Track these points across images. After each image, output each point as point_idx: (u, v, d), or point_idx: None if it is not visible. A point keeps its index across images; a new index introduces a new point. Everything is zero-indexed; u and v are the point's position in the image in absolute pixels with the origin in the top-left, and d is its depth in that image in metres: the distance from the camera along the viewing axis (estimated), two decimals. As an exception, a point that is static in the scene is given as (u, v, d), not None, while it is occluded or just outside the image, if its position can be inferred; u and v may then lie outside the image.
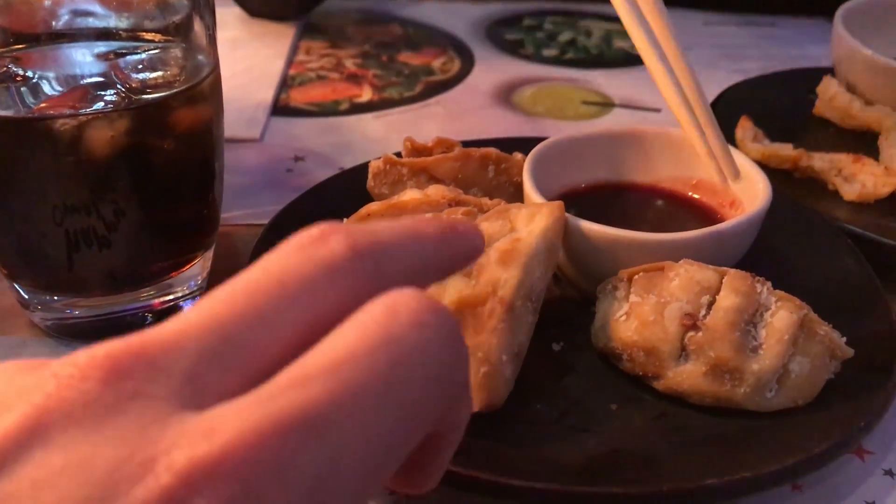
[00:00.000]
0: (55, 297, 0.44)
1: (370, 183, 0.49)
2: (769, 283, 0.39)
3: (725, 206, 0.47)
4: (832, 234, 0.48)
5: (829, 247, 0.47)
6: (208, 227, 0.46)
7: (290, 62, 0.78)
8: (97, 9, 0.43)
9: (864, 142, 0.60)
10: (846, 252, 0.46)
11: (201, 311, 0.21)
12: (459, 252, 0.25)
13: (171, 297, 0.45)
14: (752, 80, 0.68)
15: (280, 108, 0.69)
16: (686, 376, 0.37)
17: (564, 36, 0.86)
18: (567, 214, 0.42)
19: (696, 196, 0.48)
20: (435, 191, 0.45)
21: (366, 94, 0.73)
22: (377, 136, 0.66)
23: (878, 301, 0.42)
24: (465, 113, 0.70)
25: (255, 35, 0.82)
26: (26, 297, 0.44)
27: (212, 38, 0.44)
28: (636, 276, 0.39)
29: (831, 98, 0.62)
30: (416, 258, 0.23)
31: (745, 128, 0.57)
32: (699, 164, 0.48)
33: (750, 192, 0.45)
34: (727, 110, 0.60)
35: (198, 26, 0.44)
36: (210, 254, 0.47)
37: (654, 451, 0.35)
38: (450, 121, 0.69)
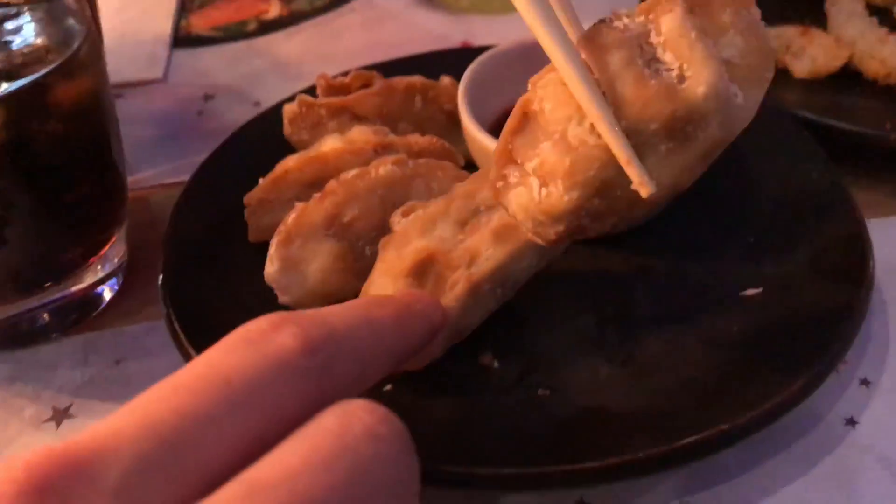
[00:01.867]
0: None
1: (287, 129, 0.44)
2: (626, 13, 0.30)
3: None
4: (786, 121, 0.45)
5: (783, 136, 0.44)
6: (116, 203, 0.41)
7: (184, -20, 0.70)
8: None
9: (818, 3, 0.56)
10: (802, 142, 0.43)
11: (136, 411, 0.18)
12: (416, 336, 0.25)
13: (89, 282, 0.41)
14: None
15: (181, 39, 0.63)
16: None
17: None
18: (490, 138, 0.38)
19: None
20: (359, 134, 0.41)
21: (273, 9, 0.66)
22: (291, 58, 0.61)
23: (840, 197, 0.40)
24: (384, 19, 0.64)
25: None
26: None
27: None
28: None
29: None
30: (369, 349, 0.22)
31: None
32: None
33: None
34: None
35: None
36: (124, 229, 0.43)
37: (620, 405, 0.33)
38: (368, 31, 0.63)
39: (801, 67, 0.50)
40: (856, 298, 0.35)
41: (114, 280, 0.42)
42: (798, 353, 0.34)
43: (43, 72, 0.35)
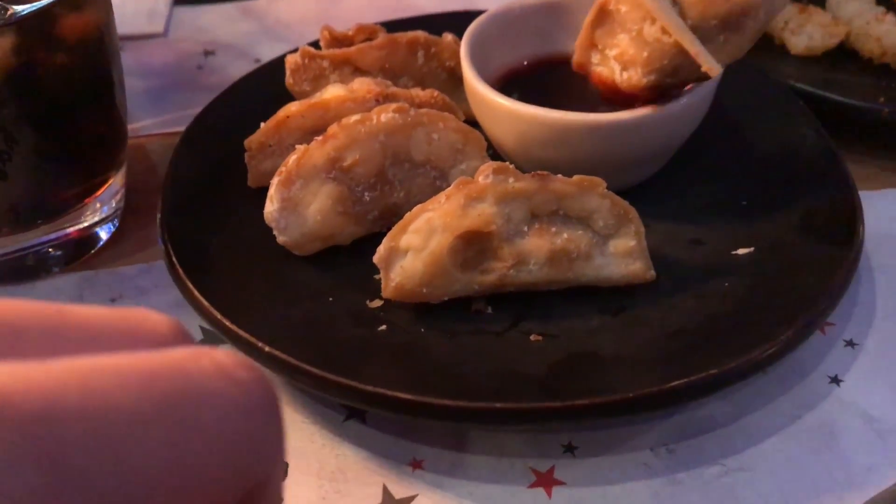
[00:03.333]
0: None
1: (289, 80, 0.45)
2: None
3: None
4: (784, 96, 0.45)
5: (781, 107, 0.44)
6: (116, 145, 0.42)
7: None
8: None
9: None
10: (799, 112, 0.44)
11: None
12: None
13: (86, 223, 0.41)
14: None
15: (183, -5, 0.63)
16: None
17: None
18: (501, 98, 0.39)
19: (640, 66, 0.45)
20: (360, 85, 0.41)
21: (277, -31, 0.66)
22: (293, 17, 0.61)
23: (833, 164, 0.41)
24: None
25: None
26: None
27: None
28: None
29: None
30: None
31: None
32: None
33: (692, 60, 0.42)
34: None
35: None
36: (123, 172, 0.43)
37: (610, 352, 0.33)
38: (370, -5, 0.63)
39: (797, 43, 0.51)
40: (844, 260, 0.36)
41: (110, 223, 0.42)
42: (786, 309, 0.34)
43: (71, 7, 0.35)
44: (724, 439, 0.34)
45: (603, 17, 0.38)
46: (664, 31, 0.36)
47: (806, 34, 0.51)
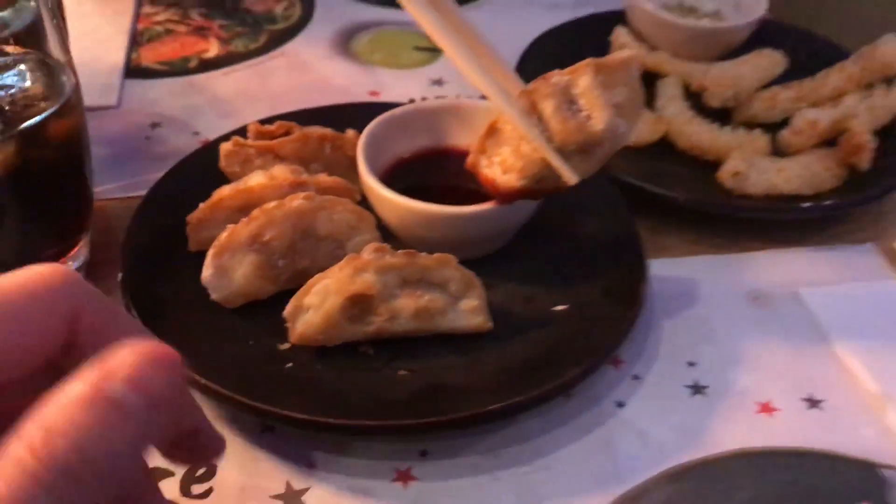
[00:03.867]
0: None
1: (222, 162, 0.57)
2: (557, 73, 0.48)
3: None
4: (604, 183, 0.59)
5: (600, 195, 0.58)
6: (86, 213, 0.53)
7: (136, 17, 0.81)
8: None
9: (651, 83, 0.71)
10: (613, 199, 0.58)
11: None
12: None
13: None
14: (556, 30, 0.77)
15: (133, 70, 0.74)
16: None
17: (399, -28, 0.92)
18: (379, 184, 0.51)
19: (500, 158, 0.58)
20: (279, 172, 0.53)
21: (213, 49, 0.78)
22: (227, 95, 0.72)
23: (632, 243, 0.54)
24: (307, 65, 0.77)
25: (96, -12, 0.84)
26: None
27: (64, 42, 0.49)
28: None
29: (621, 46, 0.73)
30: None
31: (545, 85, 0.67)
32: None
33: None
34: (534, 64, 0.70)
35: (50, 30, 0.49)
36: (89, 235, 0.54)
37: (457, 383, 0.46)
38: (294, 74, 0.76)
39: (628, 137, 0.65)
40: (630, 314, 0.50)
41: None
42: (585, 350, 0.48)
43: (46, 113, 0.46)
44: (535, 447, 0.47)
45: (493, 131, 0.50)
46: (535, 149, 0.48)
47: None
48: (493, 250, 0.55)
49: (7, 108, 0.46)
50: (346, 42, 0.80)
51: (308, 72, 0.76)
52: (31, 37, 0.49)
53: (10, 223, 0.48)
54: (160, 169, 0.62)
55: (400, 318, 0.48)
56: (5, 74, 0.47)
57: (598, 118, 0.47)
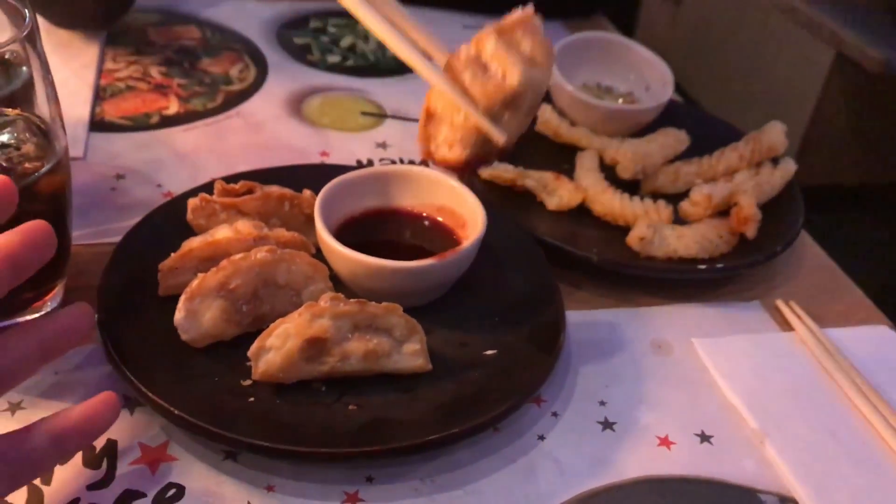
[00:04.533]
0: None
1: (189, 216, 0.63)
2: (465, 47, 0.54)
3: (459, 227, 0.65)
4: (530, 243, 0.67)
5: (526, 253, 0.66)
6: (64, 260, 0.58)
7: (99, 72, 0.86)
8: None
9: (571, 154, 0.80)
10: (537, 258, 0.66)
11: None
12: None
13: (35, 316, 0.57)
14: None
15: (97, 123, 0.79)
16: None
17: (346, 41, 1.01)
18: (333, 240, 0.58)
19: (440, 218, 0.66)
20: (243, 226, 0.60)
21: (173, 106, 0.84)
22: (187, 150, 0.78)
23: (552, 296, 0.63)
24: (261, 125, 0.84)
25: (61, 44, 0.89)
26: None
27: (55, 99, 0.55)
28: None
29: (545, 121, 0.82)
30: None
31: (479, 153, 0.75)
32: (442, 194, 0.66)
33: (473, 218, 0.63)
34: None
35: (41, 94, 0.54)
36: (65, 279, 0.59)
37: (399, 417, 0.53)
38: (250, 133, 0.82)
39: (551, 202, 0.74)
40: (550, 358, 0.58)
41: (51, 314, 0.58)
42: (510, 390, 0.55)
43: (41, 172, 0.51)
44: (467, 474, 0.53)
45: (430, 116, 0.55)
46: (467, 117, 0.53)
47: (558, 195, 0.74)
48: (433, 300, 0.62)
49: (4, 165, 0.51)
50: (297, 104, 0.87)
51: (262, 131, 0.83)
52: (22, 98, 0.55)
53: (-3, 266, 0.53)
54: (125, 218, 0.67)
55: (351, 360, 0.54)
56: (2, 134, 0.53)
57: (511, 74, 0.52)
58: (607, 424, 0.58)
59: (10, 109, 0.54)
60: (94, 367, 0.56)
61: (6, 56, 0.53)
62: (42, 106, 0.55)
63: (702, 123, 0.86)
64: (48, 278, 0.57)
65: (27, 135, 0.54)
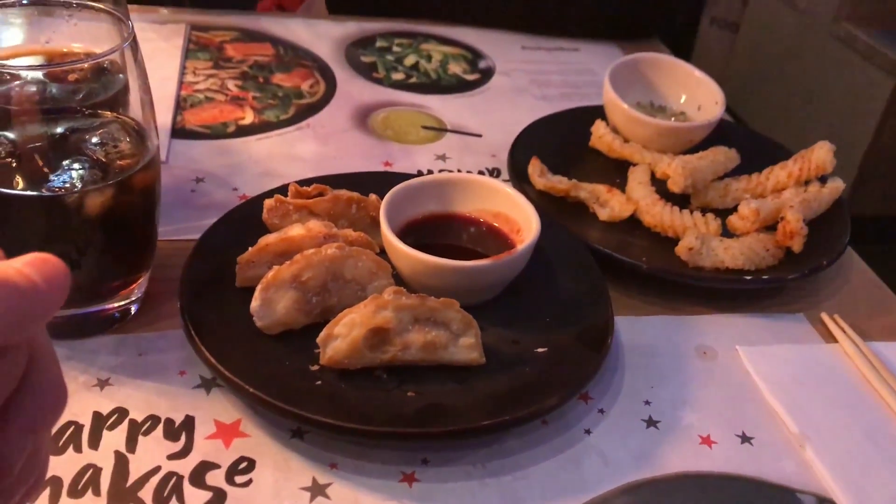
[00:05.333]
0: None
1: (265, 215, 0.67)
2: None
3: (514, 232, 0.69)
4: (581, 249, 0.71)
5: (578, 260, 0.70)
6: (150, 252, 0.63)
7: (180, 84, 0.93)
8: (54, 88, 0.59)
9: (624, 169, 0.84)
10: (588, 264, 0.69)
11: None
12: None
13: (123, 303, 0.62)
14: (544, 120, 0.90)
15: (178, 131, 0.85)
16: None
17: (409, 59, 1.06)
18: (397, 240, 0.62)
19: (496, 224, 0.70)
20: (314, 225, 0.64)
21: (248, 117, 0.89)
22: (261, 157, 0.84)
23: (602, 299, 0.66)
24: (330, 136, 0.89)
25: (145, 57, 0.95)
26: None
27: (150, 104, 0.60)
28: None
29: (600, 136, 0.86)
30: None
31: (534, 165, 0.79)
32: (498, 201, 0.69)
33: (528, 223, 0.67)
34: (525, 149, 0.82)
35: (136, 99, 0.60)
36: (150, 270, 0.64)
37: (454, 404, 0.57)
38: (319, 143, 0.87)
39: (602, 213, 0.77)
40: (598, 357, 0.61)
41: (137, 303, 0.64)
42: (560, 385, 0.58)
43: (138, 167, 0.57)
44: (516, 462, 0.57)
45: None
46: None
47: (609, 207, 0.77)
48: (487, 299, 0.66)
49: (105, 160, 0.57)
50: (363, 118, 0.93)
51: (330, 142, 0.88)
52: (118, 102, 0.60)
53: (92, 255, 0.58)
54: (204, 218, 0.72)
55: (411, 349, 0.58)
56: (102, 133, 0.58)
57: None
58: (651, 422, 0.61)
59: (107, 112, 0.60)
60: (176, 350, 0.61)
61: (104, 64, 0.59)
62: (136, 110, 0.60)
63: (752, 142, 0.89)
64: (135, 269, 0.62)
65: (123, 135, 0.60)
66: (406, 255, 0.62)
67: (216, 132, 0.86)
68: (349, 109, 0.94)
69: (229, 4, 1.12)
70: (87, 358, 0.60)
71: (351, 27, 1.11)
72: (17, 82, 0.55)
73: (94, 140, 0.58)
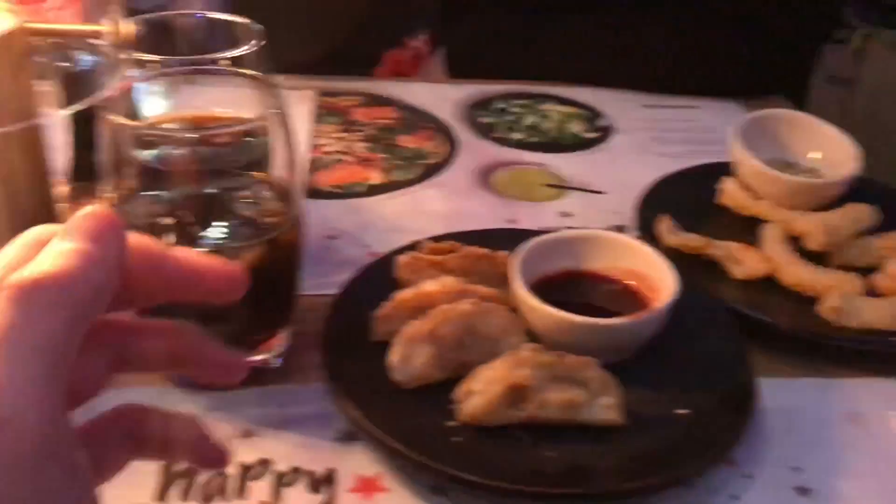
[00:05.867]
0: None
1: (398, 271, 0.69)
2: None
3: (650, 289, 0.68)
4: (718, 309, 0.69)
5: (715, 319, 0.68)
6: (293, 307, 0.65)
7: (312, 146, 0.97)
8: (205, 151, 0.62)
9: (755, 226, 0.81)
10: (726, 323, 0.67)
11: None
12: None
13: (266, 356, 0.64)
14: (672, 177, 0.89)
15: (311, 191, 0.88)
16: None
17: (528, 120, 1.07)
18: (532, 296, 0.62)
19: (630, 282, 0.69)
20: (448, 281, 0.65)
21: (377, 177, 0.92)
22: (392, 216, 0.86)
23: (743, 360, 0.64)
24: (455, 194, 0.90)
25: (281, 121, 1.00)
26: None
27: (296, 164, 0.63)
28: None
29: (730, 193, 0.84)
30: None
31: (663, 223, 0.78)
32: (633, 258, 0.69)
33: (664, 282, 0.66)
34: (652, 206, 0.81)
35: (282, 160, 0.62)
36: (292, 325, 0.66)
37: (595, 465, 0.56)
38: (445, 202, 0.89)
39: (738, 271, 0.75)
40: (743, 421, 0.59)
41: (280, 357, 0.65)
42: (704, 450, 0.57)
43: (287, 225, 0.59)
44: (661, 526, 0.55)
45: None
46: None
47: (744, 265, 0.75)
48: (622, 358, 0.64)
49: (253, 218, 0.59)
50: (485, 177, 0.94)
51: (455, 200, 0.89)
52: (263, 164, 0.63)
53: (239, 311, 0.60)
54: (338, 273, 0.74)
55: (549, 408, 0.57)
56: (250, 193, 0.61)
57: None
58: (803, 491, 0.58)
59: (254, 172, 0.63)
60: (316, 403, 0.62)
61: (255, 127, 0.61)
62: (282, 171, 0.63)
63: (889, 199, 0.85)
64: (279, 323, 0.64)
65: (269, 194, 0.62)
66: (541, 311, 0.62)
67: (347, 192, 0.89)
68: (472, 169, 0.95)
69: (350, 72, 1.16)
70: (232, 409, 0.61)
71: (470, 90, 1.14)
72: (172, 145, 0.59)
73: (243, 199, 0.61)
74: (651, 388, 0.62)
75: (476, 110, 1.09)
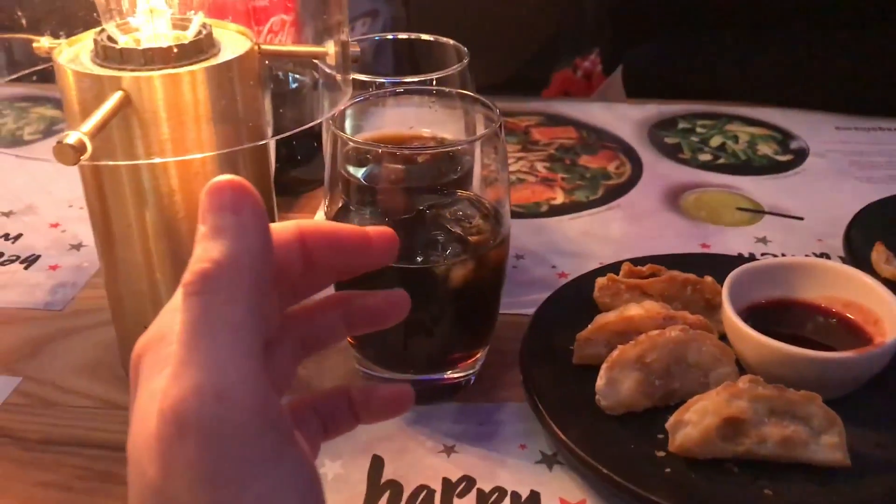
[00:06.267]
0: (385, 372, 0.63)
1: (596, 293, 0.67)
2: None
3: (870, 323, 0.63)
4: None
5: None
6: (493, 325, 0.65)
7: (494, 166, 0.97)
8: (415, 168, 0.62)
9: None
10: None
11: None
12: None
13: (465, 373, 0.64)
14: (883, 201, 0.83)
15: (496, 210, 0.88)
16: None
17: (715, 140, 1.03)
18: (747, 326, 0.59)
19: (847, 314, 0.65)
20: (651, 306, 0.63)
21: (559, 197, 0.91)
22: (575, 236, 0.84)
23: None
24: (641, 216, 0.88)
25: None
26: (364, 369, 0.64)
27: (504, 183, 0.62)
28: None
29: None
30: None
31: (878, 251, 0.73)
32: (851, 289, 0.64)
33: (888, 314, 0.61)
34: (862, 233, 0.76)
35: (491, 176, 0.62)
36: (489, 344, 0.66)
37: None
38: (630, 223, 0.87)
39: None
40: None
41: (474, 374, 0.65)
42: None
43: (496, 243, 0.59)
44: (894, 581, 0.51)
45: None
46: None
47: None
48: (838, 396, 0.60)
49: (462, 234, 0.60)
50: (674, 199, 0.91)
51: (642, 222, 0.87)
52: (464, 182, 0.63)
53: (445, 325, 0.61)
54: (526, 293, 0.74)
55: (767, 444, 0.54)
56: (459, 210, 0.61)
57: None
58: None
59: (461, 190, 0.63)
60: (515, 423, 0.61)
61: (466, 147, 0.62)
62: (493, 189, 0.62)
63: None
64: (479, 341, 0.64)
65: (475, 212, 0.63)
66: (757, 341, 0.59)
67: (530, 211, 0.89)
68: (658, 190, 0.93)
69: (519, 93, 1.16)
70: (432, 424, 0.62)
71: (650, 109, 1.11)
72: (387, 163, 0.60)
73: (452, 216, 0.61)
74: (874, 428, 0.58)
75: (659, 130, 1.06)
